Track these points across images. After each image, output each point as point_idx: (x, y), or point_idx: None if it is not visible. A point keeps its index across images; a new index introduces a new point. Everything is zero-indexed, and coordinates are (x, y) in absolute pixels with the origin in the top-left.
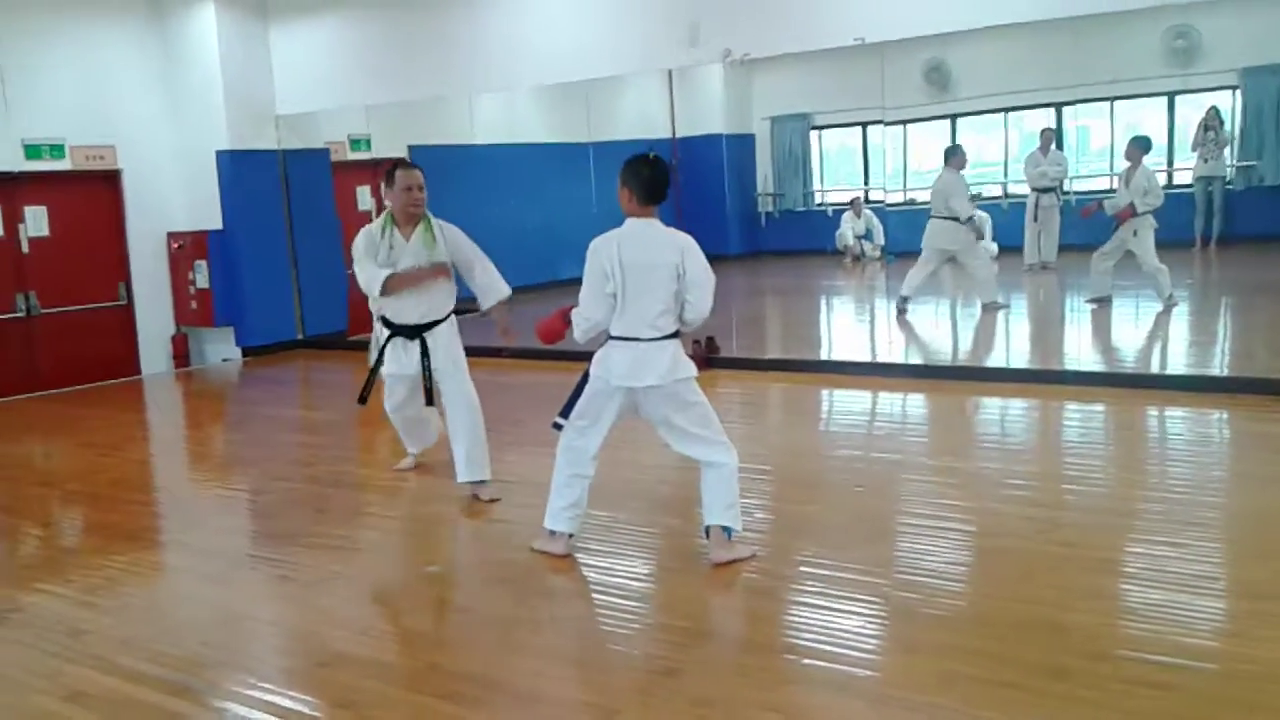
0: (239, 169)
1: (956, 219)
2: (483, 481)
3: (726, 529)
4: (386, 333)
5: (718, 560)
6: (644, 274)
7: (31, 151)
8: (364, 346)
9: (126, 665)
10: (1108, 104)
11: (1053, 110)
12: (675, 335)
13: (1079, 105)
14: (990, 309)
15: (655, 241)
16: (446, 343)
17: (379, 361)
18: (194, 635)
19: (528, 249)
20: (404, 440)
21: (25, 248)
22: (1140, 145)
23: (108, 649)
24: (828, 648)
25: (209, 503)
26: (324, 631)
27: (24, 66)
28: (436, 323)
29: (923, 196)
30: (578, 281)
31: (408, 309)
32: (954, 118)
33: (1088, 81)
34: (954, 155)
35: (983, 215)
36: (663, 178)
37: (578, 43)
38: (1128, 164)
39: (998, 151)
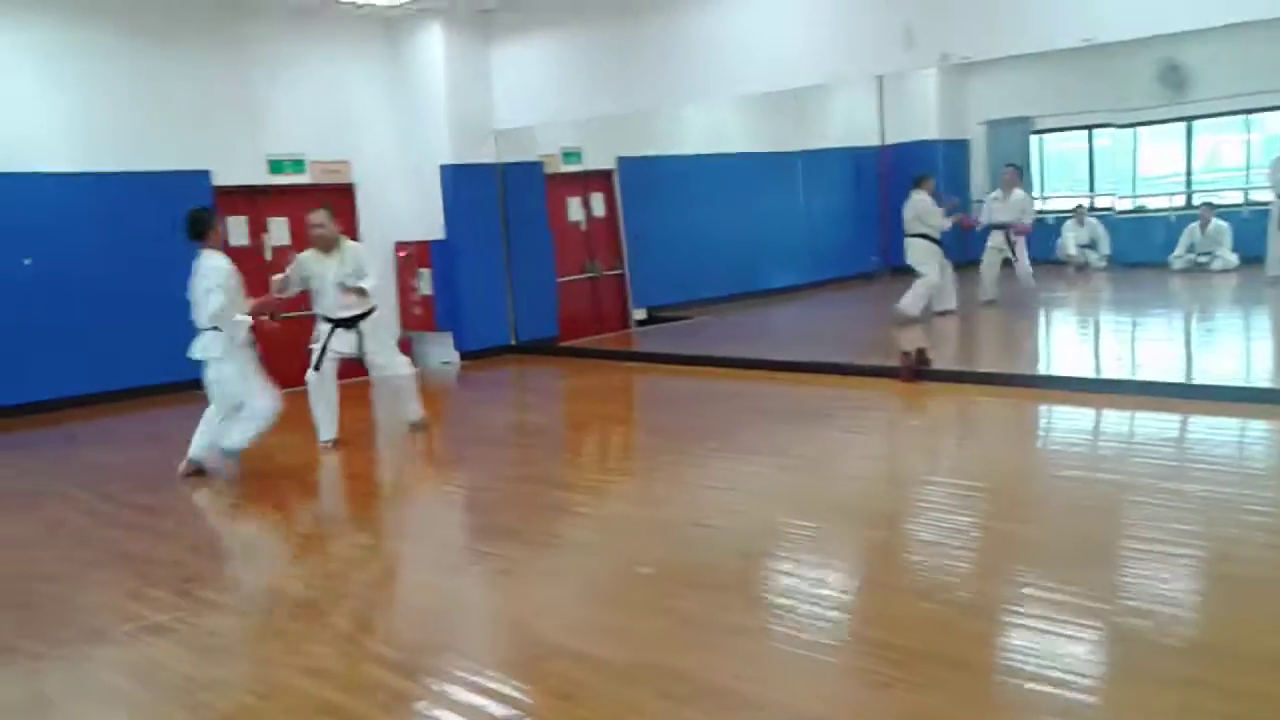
0: (460, 182)
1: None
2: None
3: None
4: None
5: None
6: None
7: (275, 166)
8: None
9: (362, 646)
10: None
11: None
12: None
13: None
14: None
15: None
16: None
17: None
18: (422, 621)
19: (736, 259)
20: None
21: (269, 255)
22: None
23: (344, 629)
24: (1050, 673)
25: (434, 497)
26: (541, 624)
27: (270, 88)
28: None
29: (1154, 204)
30: (785, 291)
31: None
32: (1190, 120)
33: None
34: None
35: (1222, 225)
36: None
37: (787, 50)
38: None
39: (1238, 156)
